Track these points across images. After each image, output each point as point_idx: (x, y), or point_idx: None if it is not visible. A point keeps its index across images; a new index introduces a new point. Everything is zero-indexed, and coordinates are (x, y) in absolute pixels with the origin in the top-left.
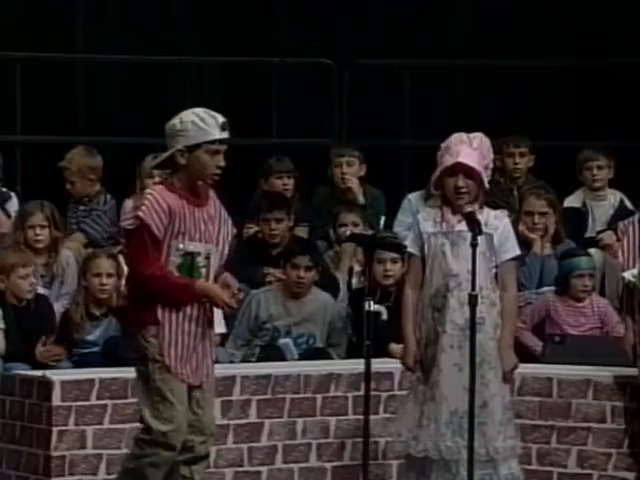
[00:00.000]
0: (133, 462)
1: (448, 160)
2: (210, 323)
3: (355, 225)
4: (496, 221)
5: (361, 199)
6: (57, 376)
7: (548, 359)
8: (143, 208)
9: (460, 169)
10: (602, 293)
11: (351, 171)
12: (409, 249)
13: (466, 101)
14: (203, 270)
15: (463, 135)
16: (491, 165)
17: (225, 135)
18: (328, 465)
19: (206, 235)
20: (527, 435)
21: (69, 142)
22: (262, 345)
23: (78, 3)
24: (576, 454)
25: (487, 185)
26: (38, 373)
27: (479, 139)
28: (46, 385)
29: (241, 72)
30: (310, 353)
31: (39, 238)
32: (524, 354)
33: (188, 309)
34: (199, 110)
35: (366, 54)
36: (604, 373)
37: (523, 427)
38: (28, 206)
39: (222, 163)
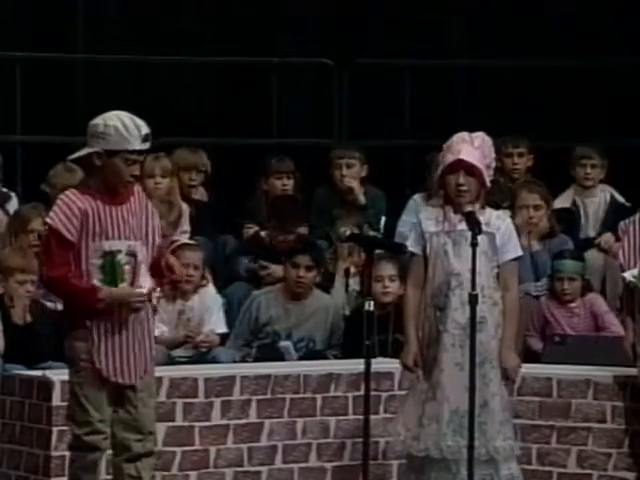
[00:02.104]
0: (70, 468)
1: (449, 158)
2: (147, 322)
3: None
4: (498, 221)
5: (362, 200)
6: (57, 376)
7: (548, 359)
8: (51, 214)
9: (461, 166)
10: (603, 295)
11: (351, 173)
12: (411, 248)
13: (466, 101)
14: (127, 267)
15: (465, 134)
16: (493, 164)
17: (145, 147)
18: (328, 465)
19: (126, 232)
20: (527, 435)
21: (69, 142)
22: (259, 345)
23: (78, 3)
24: (576, 454)
25: (489, 184)
26: (38, 373)
27: (480, 138)
28: (46, 385)
29: (241, 72)
30: (309, 356)
31: (38, 242)
32: (529, 357)
33: (115, 309)
34: (125, 116)
35: (366, 54)
36: (604, 373)
37: (523, 427)
38: (25, 210)
39: (137, 172)
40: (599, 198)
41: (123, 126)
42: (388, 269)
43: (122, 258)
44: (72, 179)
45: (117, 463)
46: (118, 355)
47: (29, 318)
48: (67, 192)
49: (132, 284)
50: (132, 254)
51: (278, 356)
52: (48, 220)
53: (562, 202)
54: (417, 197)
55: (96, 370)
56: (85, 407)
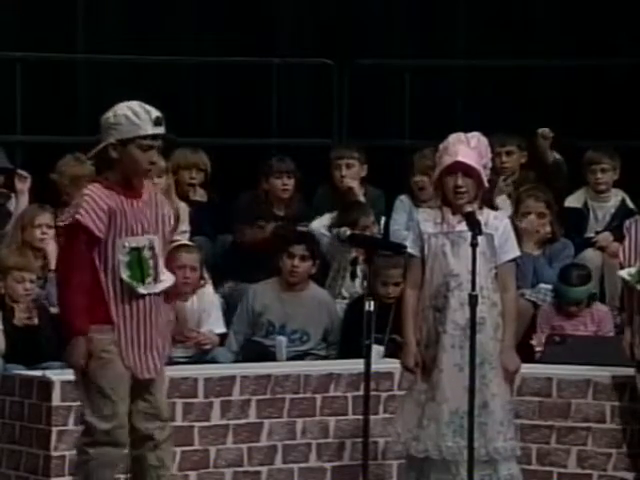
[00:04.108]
0: (81, 470)
1: (447, 160)
2: (163, 316)
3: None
4: (496, 221)
5: (362, 199)
6: (57, 376)
7: (548, 359)
8: (81, 211)
9: (459, 168)
10: (602, 293)
11: (350, 173)
12: (409, 250)
13: (466, 101)
14: (151, 261)
15: (461, 135)
16: (489, 164)
17: (158, 130)
18: (328, 465)
19: (146, 226)
20: (527, 435)
21: (69, 142)
22: (244, 342)
23: (78, 3)
24: (576, 454)
25: (487, 185)
26: (38, 373)
27: (476, 139)
28: (46, 385)
29: (241, 72)
30: (298, 356)
31: (45, 237)
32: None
33: (140, 304)
34: (134, 104)
35: (366, 54)
36: (604, 373)
37: (523, 427)
38: (31, 208)
39: (154, 159)
40: (611, 202)
41: (133, 113)
42: (395, 276)
43: (147, 253)
44: (80, 169)
45: (137, 456)
46: (143, 350)
47: (30, 319)
48: (92, 187)
49: (155, 279)
50: (152, 248)
51: (264, 352)
52: (79, 218)
53: (573, 201)
54: (403, 197)
55: (121, 361)
56: (113, 399)
